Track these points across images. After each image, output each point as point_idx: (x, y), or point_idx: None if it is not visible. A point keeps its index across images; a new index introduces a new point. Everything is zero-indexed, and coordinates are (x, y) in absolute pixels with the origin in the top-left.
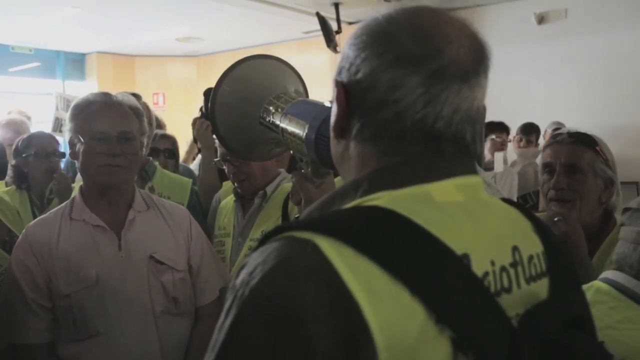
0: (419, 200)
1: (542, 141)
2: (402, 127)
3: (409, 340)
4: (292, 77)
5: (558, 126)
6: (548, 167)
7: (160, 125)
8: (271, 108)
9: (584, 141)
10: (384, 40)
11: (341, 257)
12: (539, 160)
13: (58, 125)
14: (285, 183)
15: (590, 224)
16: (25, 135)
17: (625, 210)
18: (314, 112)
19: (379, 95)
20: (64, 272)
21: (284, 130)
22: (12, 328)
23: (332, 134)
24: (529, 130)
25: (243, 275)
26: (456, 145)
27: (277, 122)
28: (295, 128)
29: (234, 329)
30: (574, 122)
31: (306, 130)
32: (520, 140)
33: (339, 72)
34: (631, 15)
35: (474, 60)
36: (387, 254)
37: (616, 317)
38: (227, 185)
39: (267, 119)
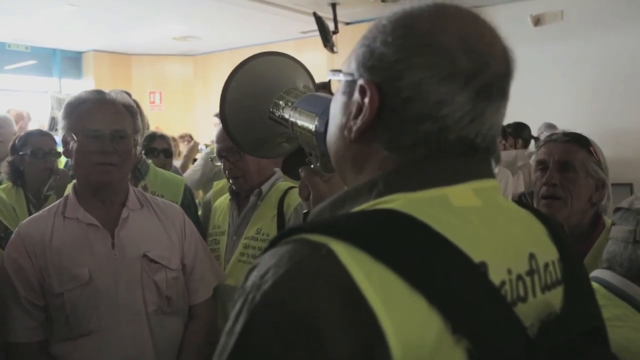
0: (437, 205)
1: (533, 144)
2: (444, 140)
3: (425, 350)
4: (301, 73)
5: (551, 128)
6: (542, 165)
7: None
8: (281, 102)
9: (578, 140)
10: (434, 51)
11: (357, 263)
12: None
13: (54, 124)
14: (281, 182)
15: (580, 225)
16: (22, 133)
17: (617, 209)
18: (324, 105)
19: (425, 109)
20: (56, 270)
21: (293, 124)
22: (4, 326)
23: (342, 132)
24: (519, 130)
25: (254, 278)
26: (482, 153)
27: (287, 116)
28: (305, 121)
29: (244, 335)
30: (569, 124)
31: (316, 123)
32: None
33: (368, 70)
34: (627, 18)
35: (508, 75)
36: (404, 261)
37: (605, 315)
38: (219, 185)
39: (276, 114)
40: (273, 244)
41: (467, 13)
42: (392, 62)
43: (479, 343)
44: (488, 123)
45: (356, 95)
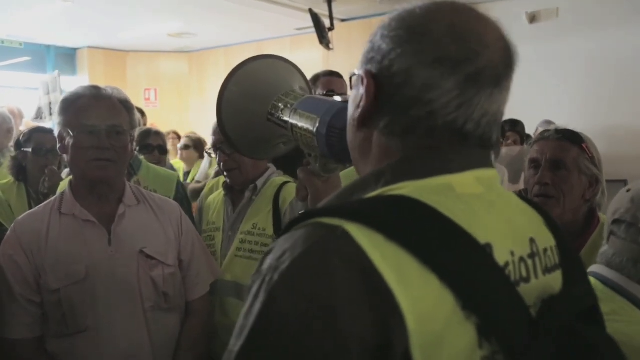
0: (442, 192)
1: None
2: (432, 126)
3: (438, 325)
4: (296, 76)
5: (548, 126)
6: (534, 163)
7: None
8: (280, 105)
9: (571, 138)
10: (423, 39)
11: (372, 243)
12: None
13: (40, 113)
14: (275, 177)
15: (573, 222)
16: (27, 129)
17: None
18: (325, 107)
19: (413, 93)
20: (53, 266)
21: (293, 126)
22: (0, 322)
23: (352, 122)
24: (513, 126)
25: (270, 261)
26: (481, 144)
27: (286, 119)
28: (305, 123)
29: (264, 314)
30: (565, 121)
31: (317, 124)
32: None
33: (368, 62)
34: (622, 16)
35: (506, 65)
36: (417, 241)
37: (602, 310)
38: (210, 184)
39: (275, 116)
40: (287, 229)
41: (461, 6)
42: (387, 52)
43: (488, 319)
44: (479, 110)
45: (359, 86)
